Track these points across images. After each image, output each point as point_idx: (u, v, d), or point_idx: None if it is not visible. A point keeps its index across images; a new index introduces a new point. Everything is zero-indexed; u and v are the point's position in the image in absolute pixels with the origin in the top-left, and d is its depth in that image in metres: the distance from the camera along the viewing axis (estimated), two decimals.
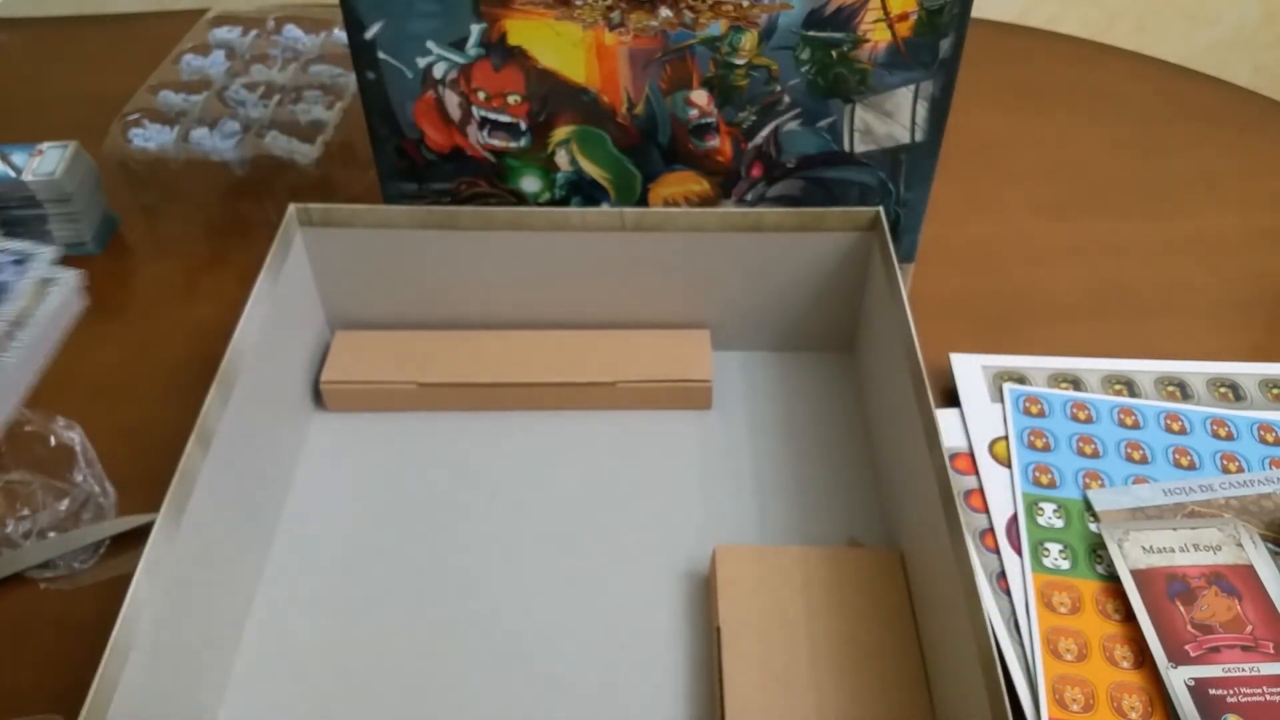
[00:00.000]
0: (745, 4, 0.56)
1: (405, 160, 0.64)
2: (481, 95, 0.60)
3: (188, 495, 0.48)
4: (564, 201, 0.65)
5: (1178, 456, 0.61)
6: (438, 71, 0.59)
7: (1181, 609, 0.52)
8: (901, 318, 0.56)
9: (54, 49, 1.05)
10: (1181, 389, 0.65)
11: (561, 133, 0.62)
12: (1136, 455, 0.61)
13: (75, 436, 0.61)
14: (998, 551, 0.56)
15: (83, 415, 0.62)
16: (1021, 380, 0.65)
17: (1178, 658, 0.50)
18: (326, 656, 0.53)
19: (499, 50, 0.58)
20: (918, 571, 0.53)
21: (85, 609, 0.54)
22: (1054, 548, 0.56)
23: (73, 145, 0.76)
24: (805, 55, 0.58)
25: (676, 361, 0.65)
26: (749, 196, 0.65)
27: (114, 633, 0.42)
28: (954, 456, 0.61)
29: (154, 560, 0.45)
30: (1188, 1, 1.34)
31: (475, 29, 0.57)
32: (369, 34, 0.58)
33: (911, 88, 0.59)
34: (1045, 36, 1.05)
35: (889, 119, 0.61)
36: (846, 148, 0.62)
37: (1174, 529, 0.55)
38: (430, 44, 0.58)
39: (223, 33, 0.93)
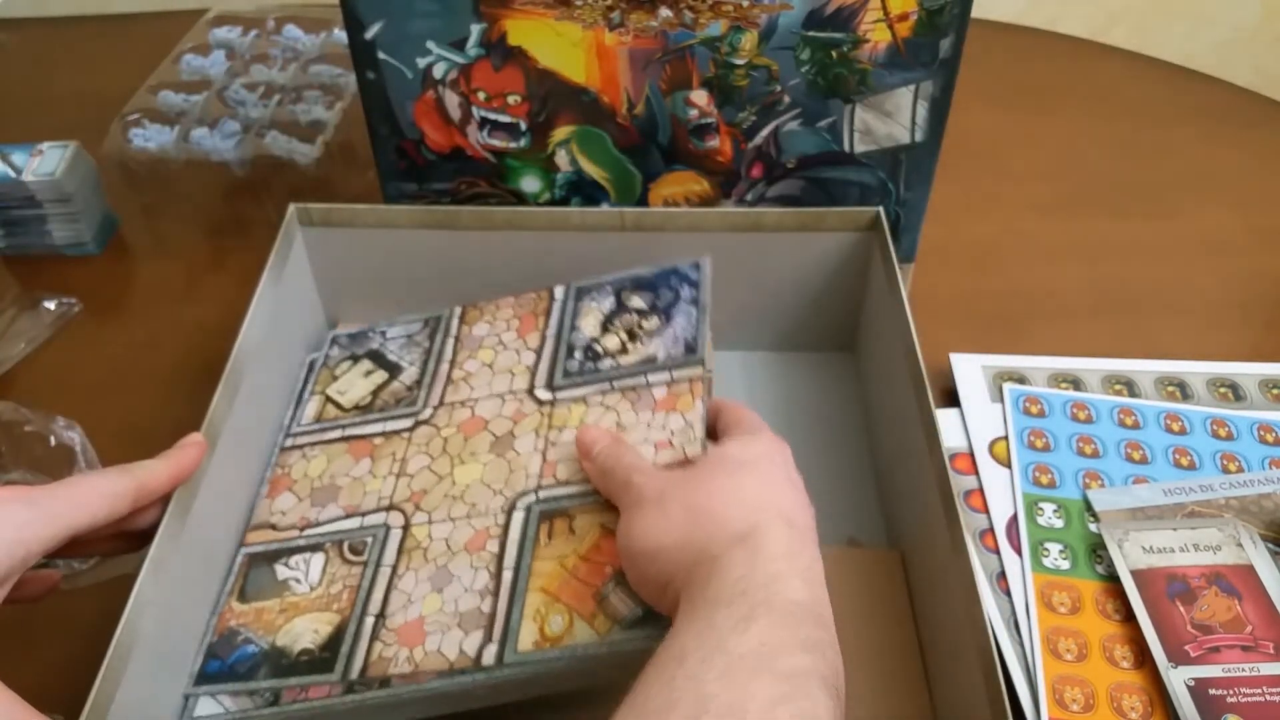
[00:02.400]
0: (745, 4, 0.56)
1: (405, 160, 0.64)
2: (481, 95, 0.60)
3: (193, 495, 0.48)
4: (564, 201, 0.65)
5: (1178, 456, 0.61)
6: (438, 71, 0.59)
7: (1181, 609, 0.52)
8: (902, 318, 0.56)
9: (54, 49, 1.05)
10: (1181, 389, 0.65)
11: (561, 133, 0.62)
12: (1136, 455, 0.61)
13: (75, 436, 0.61)
14: (998, 551, 0.56)
15: (83, 415, 0.62)
16: (1021, 380, 0.65)
17: (1178, 658, 0.50)
18: None
19: (499, 50, 0.58)
20: (918, 571, 0.53)
21: (85, 609, 0.54)
22: (1054, 548, 0.56)
23: (73, 145, 0.76)
24: (805, 55, 0.58)
25: None
26: (749, 196, 0.65)
27: (117, 632, 0.42)
28: (954, 456, 0.61)
29: (159, 560, 0.45)
30: (1188, 1, 1.34)
31: (475, 29, 0.57)
32: (369, 34, 0.58)
33: (911, 88, 0.59)
34: (1045, 36, 1.05)
35: (889, 119, 0.61)
36: (846, 148, 0.62)
37: (1174, 529, 0.55)
38: (430, 44, 0.58)
39: (223, 33, 0.93)
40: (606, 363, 0.55)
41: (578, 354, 0.56)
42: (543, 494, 0.50)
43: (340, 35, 0.92)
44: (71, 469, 0.60)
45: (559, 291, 0.60)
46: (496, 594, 0.47)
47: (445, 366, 0.59)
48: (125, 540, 0.47)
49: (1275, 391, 0.65)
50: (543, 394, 0.55)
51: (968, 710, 0.44)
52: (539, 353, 0.57)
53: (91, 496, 0.43)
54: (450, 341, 0.60)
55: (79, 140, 0.77)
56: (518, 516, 0.50)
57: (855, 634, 0.52)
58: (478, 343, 0.60)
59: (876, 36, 0.57)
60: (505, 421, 0.54)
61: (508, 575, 0.47)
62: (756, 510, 0.41)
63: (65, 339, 0.72)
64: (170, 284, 0.77)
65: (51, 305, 0.73)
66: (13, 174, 0.74)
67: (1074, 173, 0.87)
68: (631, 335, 0.56)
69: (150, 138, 0.80)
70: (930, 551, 0.50)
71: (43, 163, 0.75)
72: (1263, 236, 0.80)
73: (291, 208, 0.62)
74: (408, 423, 0.57)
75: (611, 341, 0.56)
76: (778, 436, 0.47)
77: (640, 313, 0.57)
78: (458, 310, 0.62)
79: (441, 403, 0.57)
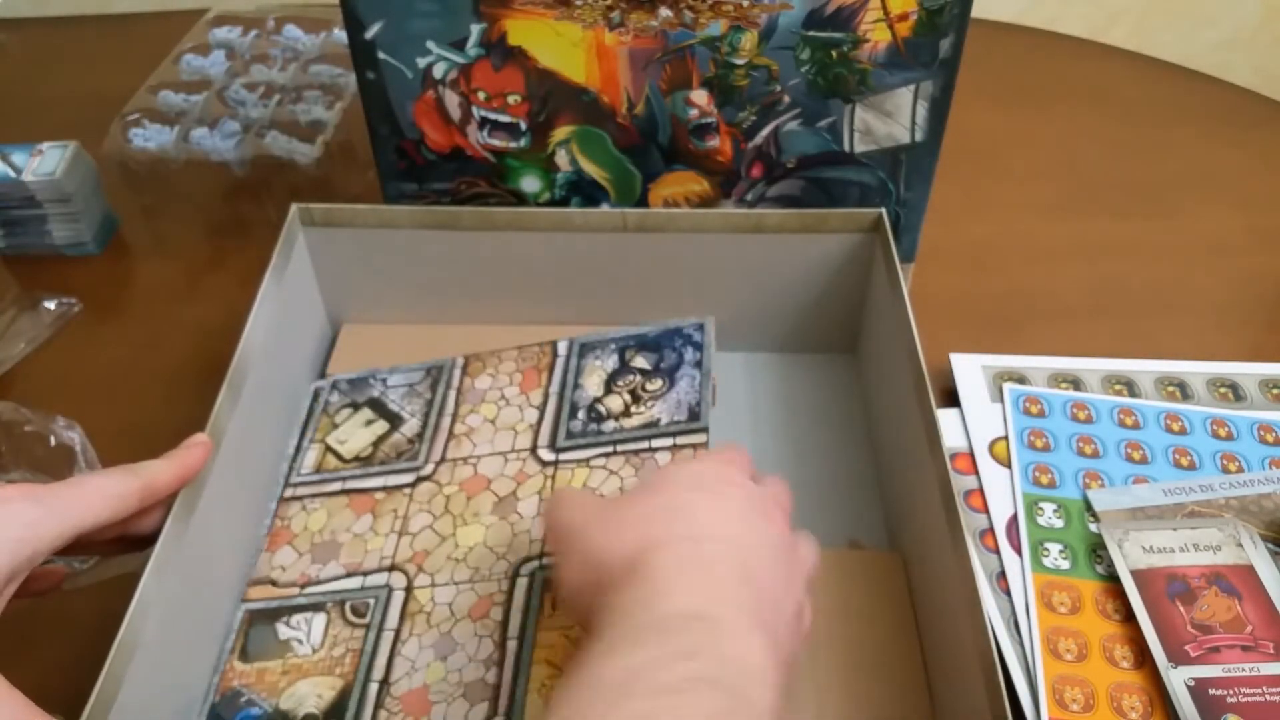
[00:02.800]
0: (745, 4, 0.56)
1: (405, 160, 0.64)
2: (481, 95, 0.60)
3: (197, 496, 0.48)
4: (564, 201, 0.65)
5: (1178, 456, 0.61)
6: (438, 71, 0.59)
7: (1181, 609, 0.52)
8: (903, 319, 0.56)
9: (54, 49, 1.05)
10: (1181, 389, 0.65)
11: (561, 133, 0.62)
12: (1136, 455, 0.61)
13: (75, 436, 0.61)
14: (998, 551, 0.56)
15: (83, 415, 0.62)
16: (1021, 380, 0.65)
17: (1178, 658, 0.50)
18: None
19: (499, 50, 0.58)
20: (918, 572, 0.53)
21: (85, 609, 0.54)
22: (1054, 548, 0.56)
23: (73, 145, 0.76)
24: (805, 55, 0.58)
25: None
26: (749, 196, 0.65)
27: (119, 634, 0.42)
28: (954, 456, 0.61)
29: (162, 561, 0.45)
30: (1188, 1, 1.34)
31: (475, 29, 0.57)
32: (369, 34, 0.58)
33: (911, 88, 0.59)
34: (1045, 36, 1.05)
35: (889, 119, 0.61)
36: (846, 148, 0.62)
37: (1174, 529, 0.55)
38: (430, 44, 0.58)
39: (223, 33, 0.93)
40: (609, 425, 0.56)
41: (581, 414, 0.57)
42: (546, 560, 0.51)
43: (340, 35, 0.92)
44: (71, 469, 0.60)
45: (562, 346, 0.61)
46: (501, 665, 0.48)
47: (447, 420, 0.59)
48: (127, 542, 0.47)
49: (1275, 391, 0.65)
50: (546, 454, 0.56)
51: (968, 710, 0.44)
52: (542, 410, 0.58)
53: (97, 497, 0.43)
54: (452, 394, 0.61)
55: (79, 140, 0.77)
56: (521, 583, 0.51)
57: (856, 635, 0.52)
58: (480, 396, 0.60)
59: (876, 36, 0.57)
60: (508, 482, 0.55)
61: (512, 645, 0.48)
62: (654, 529, 0.38)
63: (65, 339, 0.72)
64: (170, 284, 0.77)
65: (51, 305, 0.73)
66: (13, 174, 0.74)
67: (1074, 173, 0.87)
68: (635, 397, 0.57)
69: (150, 138, 0.80)
70: (930, 552, 0.50)
71: (43, 163, 0.75)
72: (1263, 236, 0.80)
73: (294, 208, 0.62)
74: (409, 478, 0.57)
75: (615, 403, 0.57)
76: (733, 446, 0.44)
77: (644, 373, 0.58)
78: (460, 360, 0.63)
79: (443, 458, 0.57)
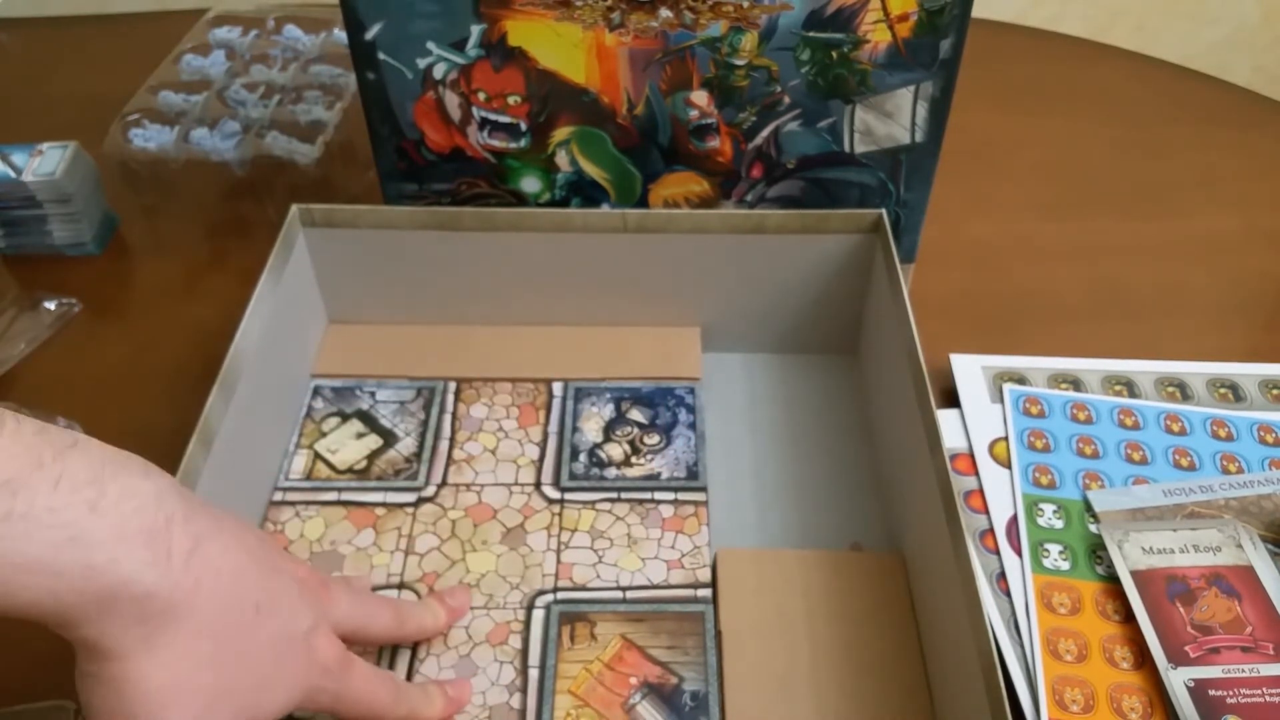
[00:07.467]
0: (745, 4, 0.56)
1: (405, 160, 0.64)
2: (482, 96, 0.60)
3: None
4: (564, 202, 0.65)
5: (1178, 457, 0.61)
6: (438, 72, 0.59)
7: (1181, 610, 0.52)
8: (904, 320, 0.56)
9: (54, 49, 1.05)
10: (1181, 390, 0.65)
11: (561, 133, 0.62)
12: (1136, 456, 0.61)
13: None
14: (998, 552, 0.56)
15: (83, 415, 0.62)
16: (1021, 381, 0.65)
17: (1177, 659, 0.50)
18: None
19: (499, 51, 0.58)
20: (918, 573, 0.53)
21: None
22: (1054, 548, 0.56)
23: (73, 145, 0.76)
24: (805, 56, 0.58)
25: (665, 359, 0.65)
26: (749, 197, 0.65)
27: None
28: (954, 457, 0.61)
29: None
30: (1188, 1, 1.34)
31: (475, 29, 0.57)
32: (369, 34, 0.58)
33: (911, 88, 0.59)
34: (1045, 36, 1.05)
35: (889, 119, 0.61)
36: (846, 148, 0.62)
37: (1174, 530, 0.55)
38: (430, 44, 0.58)
39: (223, 33, 0.93)
40: (611, 472, 0.59)
41: (582, 457, 0.60)
42: (560, 595, 0.53)
43: (340, 35, 0.92)
44: None
45: (557, 388, 0.64)
46: (525, 691, 0.49)
47: (445, 444, 0.61)
48: None
49: (1275, 392, 0.65)
50: (551, 492, 0.58)
51: (968, 711, 0.44)
52: (542, 448, 0.60)
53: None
54: (448, 418, 0.62)
55: (79, 140, 0.77)
56: (538, 614, 0.53)
57: (856, 635, 0.52)
58: (477, 425, 0.62)
59: (877, 37, 0.57)
60: (515, 514, 0.57)
61: (534, 673, 0.50)
62: None
63: (65, 339, 0.72)
64: (170, 284, 0.77)
65: (51, 305, 0.73)
66: (13, 174, 0.74)
67: (1074, 173, 0.87)
68: (635, 448, 0.60)
69: (150, 138, 0.80)
70: (931, 552, 0.50)
71: (43, 163, 0.75)
72: (1263, 236, 0.80)
73: (294, 208, 0.62)
74: (410, 497, 0.58)
75: (615, 451, 0.60)
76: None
77: (641, 426, 0.61)
78: (451, 385, 0.64)
79: (445, 482, 0.59)
